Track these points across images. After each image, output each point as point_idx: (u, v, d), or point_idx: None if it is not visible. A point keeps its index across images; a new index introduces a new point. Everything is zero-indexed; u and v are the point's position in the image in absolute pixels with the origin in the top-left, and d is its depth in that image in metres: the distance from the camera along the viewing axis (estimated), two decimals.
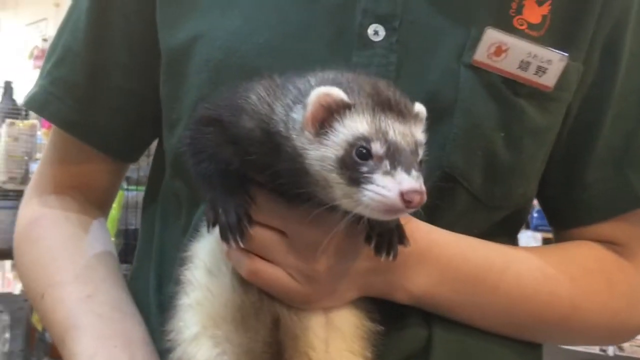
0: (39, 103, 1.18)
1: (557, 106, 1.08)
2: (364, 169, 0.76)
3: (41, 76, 1.19)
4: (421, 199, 0.75)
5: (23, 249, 1.19)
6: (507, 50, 1.01)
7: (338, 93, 0.79)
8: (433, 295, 0.99)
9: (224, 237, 0.85)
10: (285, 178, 0.82)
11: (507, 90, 1.03)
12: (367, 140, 0.77)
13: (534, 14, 1.05)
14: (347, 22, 1.02)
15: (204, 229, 0.96)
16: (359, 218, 0.83)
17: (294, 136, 0.80)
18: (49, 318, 1.08)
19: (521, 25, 1.04)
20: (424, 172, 0.79)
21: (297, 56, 1.01)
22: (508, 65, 1.01)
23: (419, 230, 0.97)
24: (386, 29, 1.01)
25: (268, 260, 0.89)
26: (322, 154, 0.78)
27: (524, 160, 1.05)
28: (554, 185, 1.15)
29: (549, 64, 1.02)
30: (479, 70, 1.01)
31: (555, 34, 1.05)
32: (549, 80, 1.02)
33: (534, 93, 1.04)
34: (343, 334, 0.94)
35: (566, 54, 1.02)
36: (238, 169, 0.86)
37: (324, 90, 0.79)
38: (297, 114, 0.81)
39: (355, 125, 0.78)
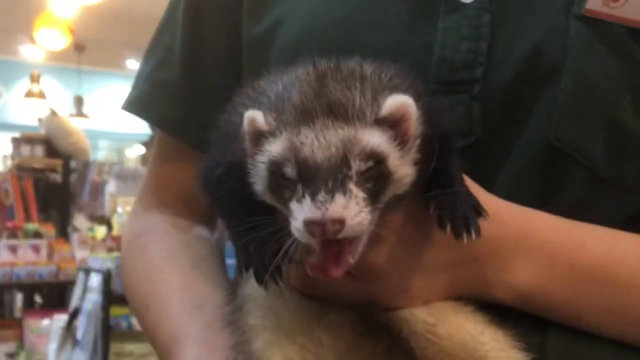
0: (140, 106, 1.14)
1: None
2: (287, 194, 0.67)
3: (140, 79, 1.16)
4: (323, 230, 0.62)
5: (129, 262, 1.16)
6: None
7: (256, 121, 0.71)
8: (544, 293, 0.82)
9: (259, 280, 0.75)
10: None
11: (634, 43, 0.84)
12: (279, 164, 0.68)
13: None
14: None
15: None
16: (425, 201, 0.72)
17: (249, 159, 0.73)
18: (154, 330, 1.02)
19: None
20: (389, 181, 0.68)
21: (377, 27, 0.91)
22: (631, 10, 0.83)
23: (509, 212, 0.82)
24: None
25: None
26: (257, 179, 0.72)
27: None
28: None
29: None
30: (594, 22, 0.84)
31: None
32: None
33: None
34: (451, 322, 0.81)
35: None
36: (256, 202, 0.75)
37: (249, 116, 0.71)
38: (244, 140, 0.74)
39: (271, 149, 0.69)
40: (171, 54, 1.11)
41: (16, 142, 7.15)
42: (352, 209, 0.63)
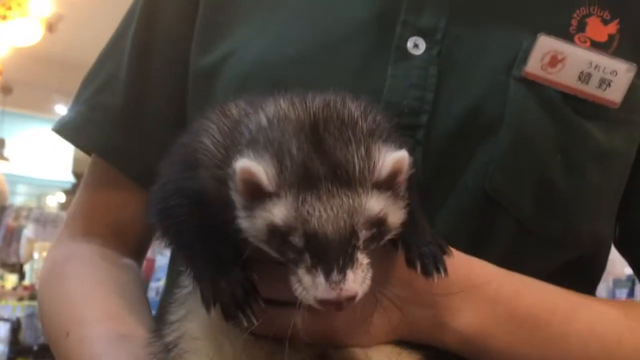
0: (74, 129, 1.12)
1: (627, 130, 0.94)
2: (291, 255, 0.66)
3: (77, 103, 1.13)
4: (339, 307, 0.64)
5: (48, 288, 1.10)
6: (563, 60, 0.89)
7: (257, 176, 0.66)
8: (486, 338, 0.83)
9: (230, 317, 0.71)
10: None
11: (566, 107, 0.90)
12: (283, 233, 0.65)
13: (599, 32, 0.93)
14: (385, 35, 0.94)
15: (191, 304, 0.82)
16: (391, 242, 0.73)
17: (234, 195, 0.69)
18: (72, 358, 0.96)
19: (584, 42, 0.92)
20: (387, 231, 0.69)
21: (329, 68, 0.94)
22: (566, 77, 0.89)
23: (460, 260, 0.83)
24: (427, 42, 0.93)
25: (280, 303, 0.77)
26: (250, 229, 0.68)
27: (588, 190, 0.91)
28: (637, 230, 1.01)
29: (613, 76, 0.89)
30: (532, 84, 0.90)
31: (625, 54, 0.92)
32: (615, 94, 0.89)
33: (599, 112, 0.91)
34: None
35: (634, 64, 0.89)
36: (220, 232, 0.73)
37: (246, 167, 0.66)
38: (232, 184, 0.69)
39: (271, 215, 0.66)
40: (115, 79, 1.10)
41: None
42: (359, 278, 0.65)
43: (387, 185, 0.68)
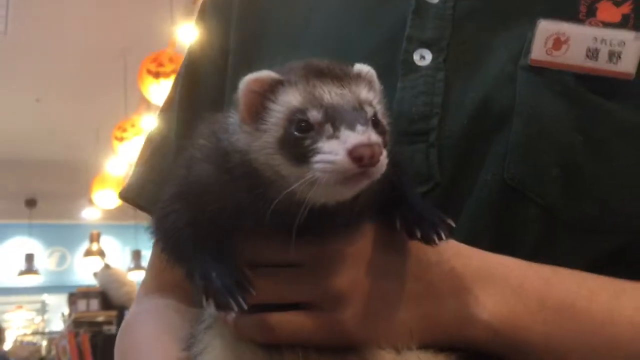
0: (136, 191, 1.20)
1: None
2: (308, 142, 0.69)
3: (138, 164, 1.22)
4: (372, 151, 0.66)
5: (120, 340, 1.17)
6: (567, 41, 0.87)
7: (267, 73, 0.75)
8: (518, 329, 0.79)
9: (221, 304, 0.73)
10: (250, 204, 0.74)
11: (580, 87, 0.87)
12: (302, 111, 0.71)
13: (611, 14, 0.91)
14: (394, 54, 0.97)
15: (202, 337, 0.85)
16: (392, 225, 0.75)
17: (236, 139, 0.75)
18: None
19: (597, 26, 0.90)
20: (384, 128, 0.73)
21: None
22: (573, 57, 0.87)
23: (471, 250, 0.83)
24: (432, 52, 0.95)
25: (283, 308, 0.78)
26: (262, 141, 0.72)
27: (618, 169, 0.86)
28: None
29: (622, 47, 0.85)
30: (540, 71, 0.88)
31: None
32: (627, 65, 0.85)
33: (617, 88, 0.87)
34: None
35: None
36: (217, 232, 0.77)
37: (252, 76, 0.75)
38: (234, 117, 0.76)
39: (288, 99, 0.73)
40: (166, 140, 1.18)
41: (72, 298, 7.35)
42: (379, 138, 0.69)
43: (365, 82, 0.76)
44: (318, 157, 0.68)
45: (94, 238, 11.40)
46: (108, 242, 12.30)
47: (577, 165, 0.85)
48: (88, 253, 11.31)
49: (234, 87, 1.09)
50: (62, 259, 13.47)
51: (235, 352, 0.79)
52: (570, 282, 0.82)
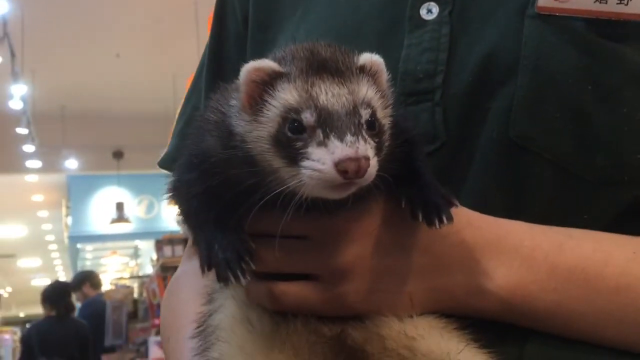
0: (171, 161, 1.24)
1: None
2: (299, 144, 0.70)
3: (173, 137, 1.28)
4: (357, 166, 0.66)
5: (165, 300, 1.26)
6: None
7: (268, 64, 0.74)
8: (528, 299, 0.79)
9: (221, 277, 0.75)
10: (252, 183, 0.74)
11: (590, 33, 0.84)
12: (296, 110, 0.71)
13: None
14: (399, 11, 0.96)
15: (217, 296, 0.89)
16: (398, 201, 0.76)
17: (236, 123, 0.76)
18: (170, 358, 1.10)
19: None
20: (382, 128, 0.73)
21: (350, 47, 0.98)
22: (581, 1, 0.83)
23: (482, 219, 0.82)
24: (440, 5, 0.93)
25: (294, 278, 0.80)
26: (257, 133, 0.73)
27: (632, 117, 0.83)
28: None
29: None
30: (548, 19, 0.85)
31: None
32: (638, 6, 0.82)
33: (631, 31, 0.83)
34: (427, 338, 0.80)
35: None
36: (223, 202, 0.78)
37: (254, 65, 0.75)
38: (235, 100, 0.77)
39: (285, 96, 0.73)
40: (198, 111, 1.20)
41: (159, 244, 7.68)
42: (370, 151, 0.70)
43: (369, 76, 0.76)
44: (306, 163, 0.69)
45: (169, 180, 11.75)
46: None
47: (586, 116, 0.83)
48: None
49: (252, 54, 1.12)
50: (150, 207, 14.08)
51: (244, 313, 0.83)
52: (584, 246, 0.81)
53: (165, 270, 7.32)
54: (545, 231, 0.82)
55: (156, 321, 7.05)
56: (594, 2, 0.83)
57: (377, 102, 0.75)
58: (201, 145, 0.81)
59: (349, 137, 0.68)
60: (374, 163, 0.69)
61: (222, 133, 0.78)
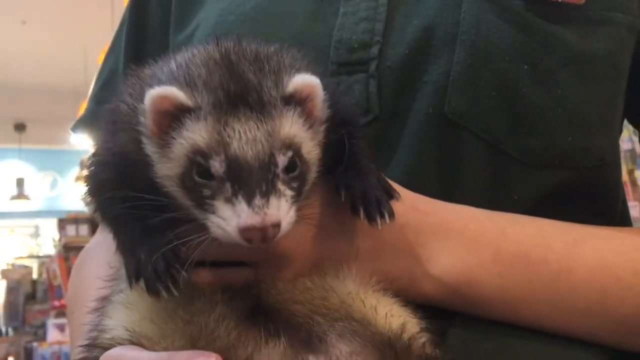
0: (85, 125, 1.19)
1: (609, 31, 0.85)
2: (206, 192, 0.64)
3: (89, 101, 1.21)
4: (263, 235, 0.61)
5: (73, 272, 1.19)
6: None
7: (175, 94, 0.65)
8: (473, 284, 0.78)
9: (152, 292, 0.68)
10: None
11: (530, 12, 0.84)
12: (205, 155, 0.64)
13: None
14: None
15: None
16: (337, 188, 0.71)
17: (146, 142, 0.67)
18: (73, 332, 1.04)
19: None
20: (305, 169, 0.66)
21: (281, 17, 0.94)
22: None
23: (427, 203, 0.80)
24: None
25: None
26: (165, 169, 0.66)
27: (565, 100, 0.83)
28: None
29: None
30: None
31: None
32: None
33: (570, 14, 0.84)
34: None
35: None
36: (149, 206, 0.70)
37: (159, 93, 0.65)
38: (143, 117, 0.67)
39: (194, 136, 0.64)
40: (115, 73, 1.16)
41: (62, 223, 7.38)
42: (283, 207, 0.63)
43: (296, 105, 0.67)
44: (212, 217, 0.63)
45: (85, 164, 11.37)
46: None
47: (521, 97, 0.82)
48: (79, 179, 11.30)
49: (177, 26, 1.06)
50: (54, 184, 13.49)
51: (140, 313, 0.74)
52: (528, 231, 0.81)
53: (68, 250, 7.05)
54: (490, 216, 0.81)
55: (56, 303, 6.78)
56: None
57: (302, 136, 0.67)
58: (115, 141, 0.73)
59: (257, 200, 0.61)
60: (287, 219, 0.63)
61: (133, 136, 0.70)
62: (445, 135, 0.83)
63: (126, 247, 0.72)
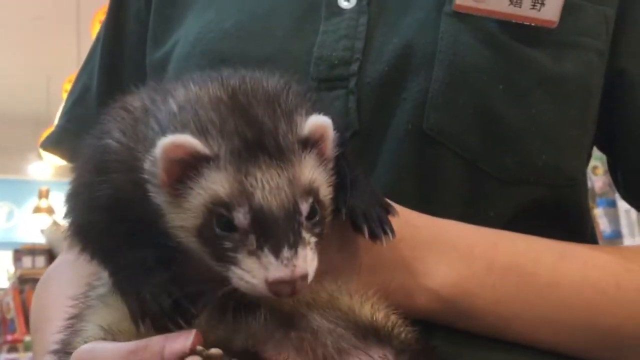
0: (55, 142, 1.17)
1: (579, 54, 0.89)
2: (227, 244, 0.60)
3: (60, 117, 1.19)
4: (292, 289, 0.59)
5: (36, 291, 1.16)
6: None
7: (191, 143, 0.61)
8: (468, 297, 0.78)
9: (162, 330, 0.64)
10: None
11: (504, 35, 0.87)
12: (227, 206, 0.60)
13: None
14: None
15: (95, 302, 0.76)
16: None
17: (154, 191, 0.64)
18: (37, 352, 1.00)
19: None
20: (324, 211, 0.64)
21: (262, 35, 0.95)
22: (496, 3, 0.86)
23: (419, 217, 0.81)
24: None
25: None
26: (180, 220, 0.63)
27: (539, 120, 0.87)
28: (626, 160, 0.96)
29: None
30: (464, 17, 0.87)
31: None
32: (550, 12, 0.85)
33: (542, 37, 0.87)
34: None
35: None
36: (142, 240, 0.67)
37: (173, 142, 0.61)
38: (152, 166, 0.64)
39: (214, 186, 0.61)
40: (88, 91, 1.14)
41: (17, 254, 7.19)
42: (309, 258, 0.61)
43: (312, 148, 0.65)
44: (236, 270, 0.60)
45: (43, 194, 11.13)
46: (58, 199, 12.03)
47: (497, 116, 0.85)
48: (37, 210, 11.05)
49: (156, 32, 1.05)
50: (10, 215, 13.15)
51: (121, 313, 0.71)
52: (518, 245, 0.83)
53: (24, 282, 6.85)
54: (479, 230, 0.83)
55: (9, 337, 6.55)
56: (509, 5, 0.85)
57: (320, 180, 0.66)
58: (107, 181, 0.68)
59: (285, 252, 0.59)
60: (314, 264, 0.61)
61: (130, 178, 0.66)
62: (423, 151, 0.85)
63: (126, 286, 0.68)
